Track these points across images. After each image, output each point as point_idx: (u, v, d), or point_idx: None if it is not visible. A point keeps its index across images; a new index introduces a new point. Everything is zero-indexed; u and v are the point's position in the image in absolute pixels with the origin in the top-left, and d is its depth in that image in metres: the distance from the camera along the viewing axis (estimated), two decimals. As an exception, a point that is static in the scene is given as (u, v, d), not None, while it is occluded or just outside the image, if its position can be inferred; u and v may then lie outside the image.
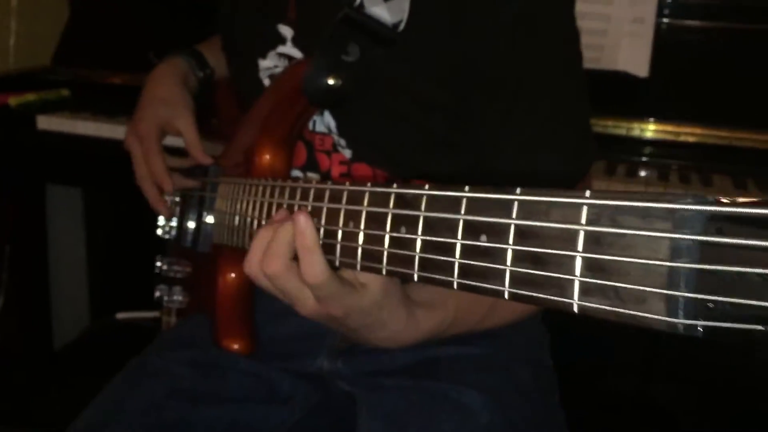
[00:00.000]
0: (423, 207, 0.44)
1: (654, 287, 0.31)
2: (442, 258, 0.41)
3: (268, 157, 0.90)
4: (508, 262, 0.37)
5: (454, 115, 0.81)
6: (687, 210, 0.30)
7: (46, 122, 1.70)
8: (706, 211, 0.30)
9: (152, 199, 1.06)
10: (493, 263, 0.37)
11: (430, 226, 0.43)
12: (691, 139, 1.40)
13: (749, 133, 1.37)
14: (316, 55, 0.80)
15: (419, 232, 0.44)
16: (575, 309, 0.34)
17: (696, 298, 0.30)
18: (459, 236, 0.40)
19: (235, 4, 1.02)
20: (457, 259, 0.40)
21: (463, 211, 0.40)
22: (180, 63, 1.12)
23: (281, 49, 0.93)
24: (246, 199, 0.85)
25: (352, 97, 0.81)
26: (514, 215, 0.36)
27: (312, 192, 0.63)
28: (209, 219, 1.03)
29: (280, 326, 0.97)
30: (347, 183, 0.57)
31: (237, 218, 0.87)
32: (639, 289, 0.31)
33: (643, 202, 0.31)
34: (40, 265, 2.05)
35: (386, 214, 0.48)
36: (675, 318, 0.30)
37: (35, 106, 1.75)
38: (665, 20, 1.48)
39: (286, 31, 0.91)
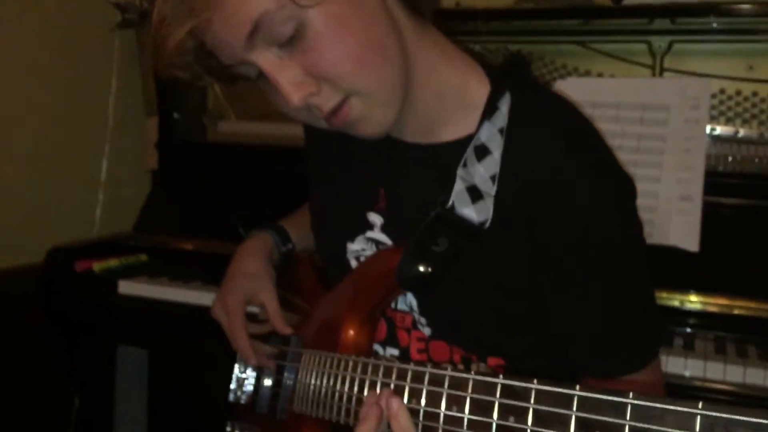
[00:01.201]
0: (532, 400, 0.48)
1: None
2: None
3: (352, 332, 0.96)
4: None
5: (529, 299, 0.87)
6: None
7: (127, 287, 1.79)
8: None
9: (250, 358, 1.10)
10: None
11: (541, 419, 0.47)
12: (744, 312, 1.43)
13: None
14: (410, 244, 0.87)
15: (529, 423, 0.48)
16: None
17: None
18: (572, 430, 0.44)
19: (327, 191, 1.10)
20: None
21: (575, 408, 0.45)
22: (266, 238, 1.20)
23: (369, 234, 1.00)
24: (332, 372, 0.90)
25: (438, 282, 0.87)
26: (628, 417, 0.41)
27: (410, 373, 0.68)
28: (288, 387, 1.07)
29: None
30: (449, 368, 0.62)
31: (323, 390, 0.92)
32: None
33: (755, 417, 0.35)
34: (105, 423, 2.09)
35: (493, 403, 0.53)
36: None
37: (117, 272, 1.85)
38: (711, 198, 1.54)
39: (376, 218, 0.99)
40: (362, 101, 0.83)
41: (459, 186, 0.86)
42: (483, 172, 0.86)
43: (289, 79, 0.79)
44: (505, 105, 0.87)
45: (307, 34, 0.77)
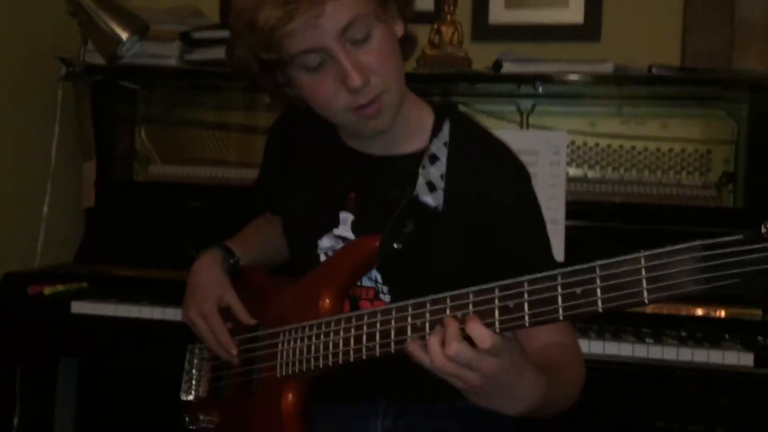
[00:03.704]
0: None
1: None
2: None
3: (328, 301, 1.19)
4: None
5: (473, 267, 1.18)
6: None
7: (79, 307, 1.95)
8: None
9: (225, 356, 1.32)
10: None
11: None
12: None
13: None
14: (388, 227, 1.15)
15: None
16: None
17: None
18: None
19: (300, 197, 1.34)
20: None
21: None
22: (216, 254, 1.41)
23: (336, 231, 1.27)
24: (318, 332, 1.13)
25: (405, 256, 1.16)
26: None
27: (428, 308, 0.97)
28: (260, 364, 1.27)
29: None
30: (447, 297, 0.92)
31: (312, 347, 1.15)
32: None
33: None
34: None
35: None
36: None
37: (65, 295, 2.00)
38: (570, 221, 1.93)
39: (347, 216, 1.26)
40: (388, 100, 1.15)
41: (420, 181, 1.18)
42: (435, 172, 1.19)
43: (354, 65, 1.09)
44: (446, 127, 1.24)
45: (371, 41, 1.10)
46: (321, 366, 1.14)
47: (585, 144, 2.12)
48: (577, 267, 0.77)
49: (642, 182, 2.08)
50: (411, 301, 0.97)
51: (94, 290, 2.05)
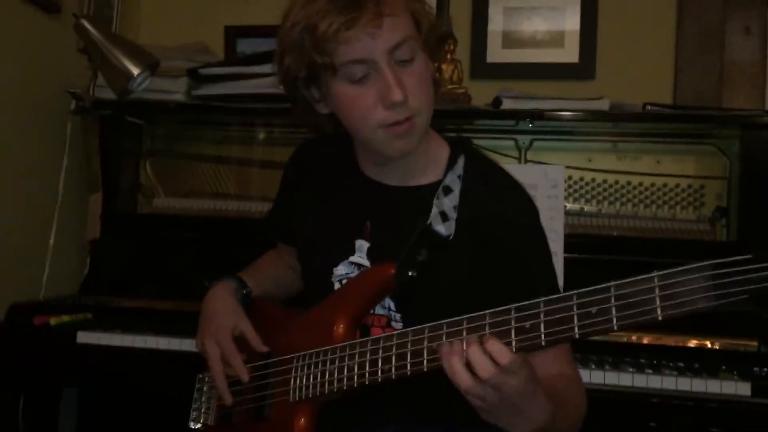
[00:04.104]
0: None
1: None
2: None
3: (342, 327, 1.22)
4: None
5: (481, 291, 1.21)
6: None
7: (85, 337, 1.96)
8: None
9: (222, 389, 1.34)
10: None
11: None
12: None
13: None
14: (403, 255, 1.20)
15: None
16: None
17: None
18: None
19: (316, 225, 1.38)
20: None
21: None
22: (230, 284, 1.44)
23: (352, 258, 1.31)
24: (333, 358, 1.17)
25: (419, 284, 1.20)
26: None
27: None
28: (271, 391, 1.30)
29: None
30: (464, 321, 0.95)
31: (325, 372, 1.19)
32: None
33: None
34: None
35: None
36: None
37: (70, 325, 2.01)
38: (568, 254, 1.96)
39: (363, 243, 1.30)
40: (418, 122, 1.20)
41: (434, 211, 1.23)
42: (448, 203, 1.24)
43: (398, 82, 1.15)
44: (461, 160, 1.28)
45: (413, 64, 1.17)
46: (336, 390, 1.17)
47: (582, 179, 2.17)
48: (591, 288, 0.80)
49: (637, 216, 2.12)
50: (428, 325, 1.00)
51: (99, 321, 2.06)
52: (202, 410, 1.45)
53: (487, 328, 0.92)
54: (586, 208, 2.16)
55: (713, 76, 2.39)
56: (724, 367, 1.75)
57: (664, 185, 2.13)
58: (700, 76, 2.40)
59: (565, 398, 1.10)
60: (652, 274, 0.75)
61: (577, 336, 0.81)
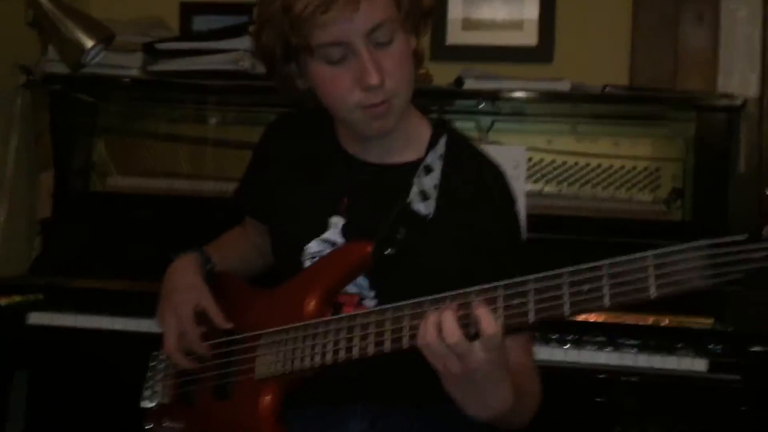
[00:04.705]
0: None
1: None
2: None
3: (313, 304, 1.19)
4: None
5: (458, 270, 1.21)
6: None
7: (38, 318, 1.91)
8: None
9: (181, 362, 1.31)
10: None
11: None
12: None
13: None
14: (381, 233, 1.18)
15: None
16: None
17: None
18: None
19: (289, 200, 1.34)
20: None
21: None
22: (195, 257, 1.40)
23: (325, 235, 1.28)
24: (305, 334, 1.14)
25: (396, 262, 1.18)
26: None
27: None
28: (235, 368, 1.26)
29: None
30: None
31: (295, 349, 1.15)
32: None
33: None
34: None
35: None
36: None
37: (22, 306, 1.94)
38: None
39: (338, 220, 1.27)
40: (396, 103, 1.18)
41: (414, 190, 1.21)
42: (428, 182, 1.22)
43: (374, 65, 1.12)
44: (443, 141, 1.26)
45: (392, 46, 1.14)
46: (307, 367, 1.14)
47: (542, 160, 2.17)
48: (583, 266, 0.79)
49: (596, 197, 2.13)
50: (409, 302, 0.98)
51: (51, 301, 1.99)
52: (156, 388, 1.40)
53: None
54: (546, 189, 2.17)
55: (668, 62, 2.41)
56: (680, 345, 1.78)
57: (622, 167, 2.14)
58: (655, 62, 2.42)
59: (525, 389, 1.09)
60: (646, 253, 0.74)
61: (567, 313, 0.80)
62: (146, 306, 1.91)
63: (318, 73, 1.18)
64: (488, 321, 0.88)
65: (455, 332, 0.89)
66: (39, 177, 2.22)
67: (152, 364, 1.43)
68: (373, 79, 1.12)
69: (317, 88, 1.21)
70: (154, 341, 1.38)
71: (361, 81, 1.14)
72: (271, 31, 1.17)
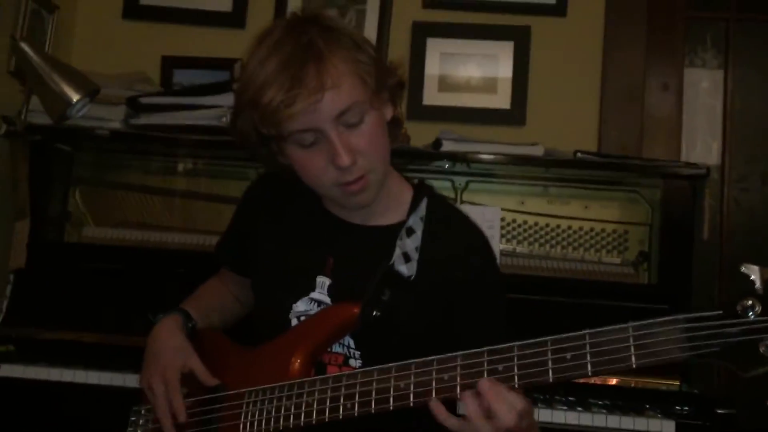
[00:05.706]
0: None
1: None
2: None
3: (299, 363, 1.20)
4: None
5: (439, 329, 1.24)
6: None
7: (8, 370, 1.88)
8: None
9: (167, 427, 1.30)
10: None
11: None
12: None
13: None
14: (368, 295, 1.20)
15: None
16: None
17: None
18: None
19: (275, 260, 1.36)
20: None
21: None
22: (176, 318, 1.40)
23: (313, 294, 1.30)
24: (289, 394, 1.16)
25: (382, 323, 1.21)
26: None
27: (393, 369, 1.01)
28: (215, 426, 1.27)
29: None
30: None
31: (281, 407, 1.17)
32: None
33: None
34: None
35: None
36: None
37: (-5, 357, 1.92)
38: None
39: (325, 280, 1.30)
40: (372, 178, 1.21)
41: (397, 252, 1.24)
42: (411, 244, 1.26)
43: (345, 147, 1.15)
44: (424, 203, 1.30)
45: (362, 125, 1.17)
46: (291, 427, 1.15)
47: (514, 221, 2.23)
48: (566, 335, 0.83)
49: (566, 258, 2.19)
50: (395, 364, 1.01)
51: (22, 353, 1.97)
52: None
53: (458, 369, 0.94)
54: (518, 249, 2.22)
55: (635, 128, 2.52)
56: (648, 406, 1.82)
57: (591, 229, 2.22)
58: (622, 127, 2.52)
59: None
60: (626, 324, 0.79)
61: (551, 380, 0.84)
62: (121, 359, 1.92)
63: (293, 155, 1.22)
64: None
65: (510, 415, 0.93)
66: (14, 226, 2.20)
67: (133, 418, 1.41)
68: (344, 161, 1.16)
69: (294, 167, 1.25)
70: (129, 395, 1.39)
71: (334, 162, 1.17)
72: (244, 121, 1.22)
